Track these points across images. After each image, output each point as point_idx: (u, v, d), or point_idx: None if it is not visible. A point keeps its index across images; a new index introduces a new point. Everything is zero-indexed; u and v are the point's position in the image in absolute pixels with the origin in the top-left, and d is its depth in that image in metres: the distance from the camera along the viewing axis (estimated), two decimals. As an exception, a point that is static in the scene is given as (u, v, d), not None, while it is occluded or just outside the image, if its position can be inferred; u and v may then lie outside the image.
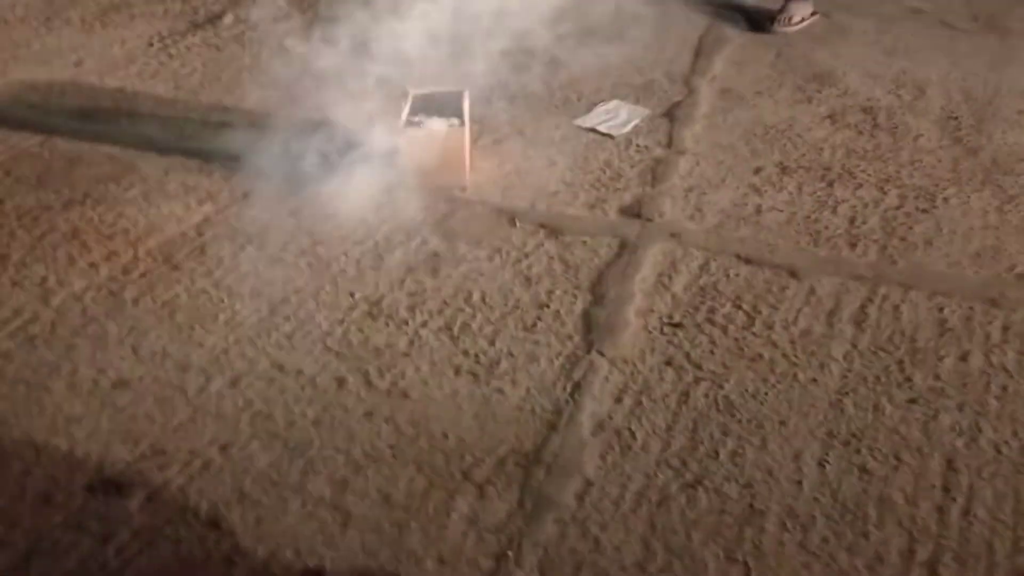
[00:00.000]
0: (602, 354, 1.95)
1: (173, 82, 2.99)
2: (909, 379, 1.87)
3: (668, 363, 1.92)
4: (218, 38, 3.28)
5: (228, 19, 3.41)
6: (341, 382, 1.87)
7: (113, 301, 2.06)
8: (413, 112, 2.53)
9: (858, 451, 1.71)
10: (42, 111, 2.79)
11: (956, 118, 2.84)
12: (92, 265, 2.17)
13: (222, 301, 2.08)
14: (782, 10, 3.45)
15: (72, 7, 3.46)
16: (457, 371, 1.90)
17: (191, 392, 1.84)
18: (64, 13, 3.41)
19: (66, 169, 2.51)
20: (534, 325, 2.03)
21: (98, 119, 2.77)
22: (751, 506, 1.61)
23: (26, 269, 2.14)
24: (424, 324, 2.03)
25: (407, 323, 2.04)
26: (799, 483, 1.65)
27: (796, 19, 3.43)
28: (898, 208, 2.41)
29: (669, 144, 2.72)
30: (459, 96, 2.60)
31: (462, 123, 2.49)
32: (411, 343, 1.98)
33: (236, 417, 1.79)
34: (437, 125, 2.51)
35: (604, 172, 2.59)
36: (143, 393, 1.83)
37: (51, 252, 2.20)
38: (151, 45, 3.21)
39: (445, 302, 2.10)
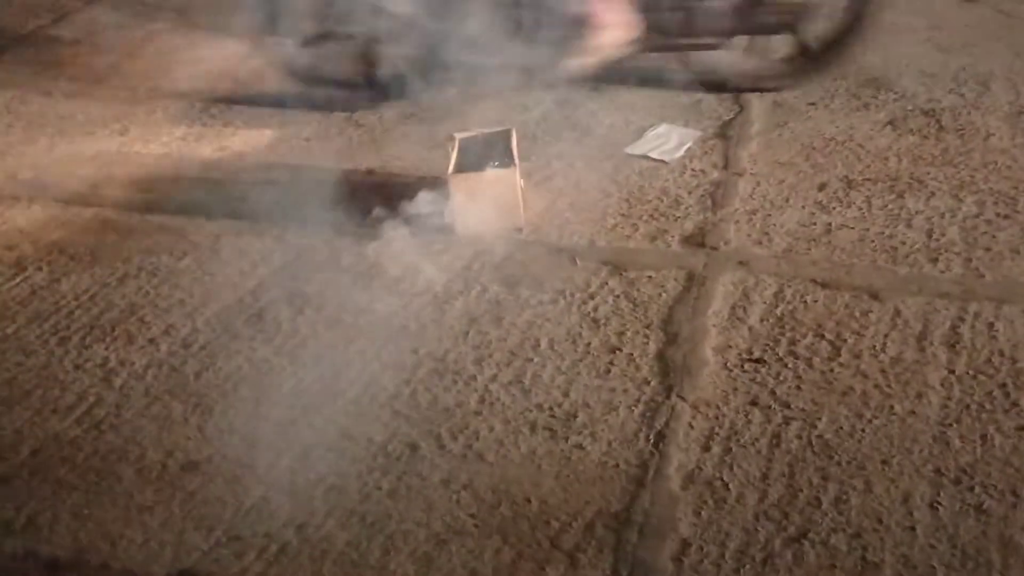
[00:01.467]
0: (683, 398, 1.86)
1: (217, 145, 2.97)
2: (1016, 404, 1.75)
3: (754, 403, 1.82)
4: (256, 95, 3.27)
5: (266, 74, 3.40)
6: (414, 448, 1.80)
7: (176, 377, 2.02)
8: (461, 156, 2.47)
9: (971, 488, 1.60)
10: (91, 183, 2.79)
11: (1027, 112, 2.70)
12: (151, 341, 2.13)
13: (284, 369, 2.03)
14: None
15: (115, 75, 3.48)
16: (533, 428, 1.82)
17: (261, 470, 1.79)
18: (109, 80, 3.43)
19: (118, 243, 2.50)
20: (608, 371, 1.95)
21: (146, 188, 2.75)
22: (863, 558, 1.50)
23: (87, 351, 2.11)
24: (493, 378, 1.96)
25: (475, 378, 1.96)
26: (912, 529, 1.54)
27: None
28: (977, 216, 2.29)
29: (726, 166, 2.63)
30: (506, 135, 2.54)
31: (512, 163, 2.42)
32: (482, 400, 1.91)
33: (309, 493, 1.72)
34: (487, 168, 2.44)
35: (662, 200, 2.51)
36: (213, 474, 1.78)
37: (110, 331, 2.17)
38: (193, 107, 3.20)
39: (512, 352, 2.03)
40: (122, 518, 1.70)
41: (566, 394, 1.90)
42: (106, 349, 2.11)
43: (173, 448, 1.84)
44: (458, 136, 2.54)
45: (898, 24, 3.33)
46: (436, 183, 2.49)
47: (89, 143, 3.03)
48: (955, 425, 1.72)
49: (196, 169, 2.85)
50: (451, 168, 2.42)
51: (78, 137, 3.07)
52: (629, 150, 2.72)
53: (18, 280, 2.35)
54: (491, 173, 2.38)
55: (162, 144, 2.99)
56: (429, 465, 1.77)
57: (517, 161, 2.44)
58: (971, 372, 1.83)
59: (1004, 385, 1.80)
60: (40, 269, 2.39)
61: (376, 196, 2.58)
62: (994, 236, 2.21)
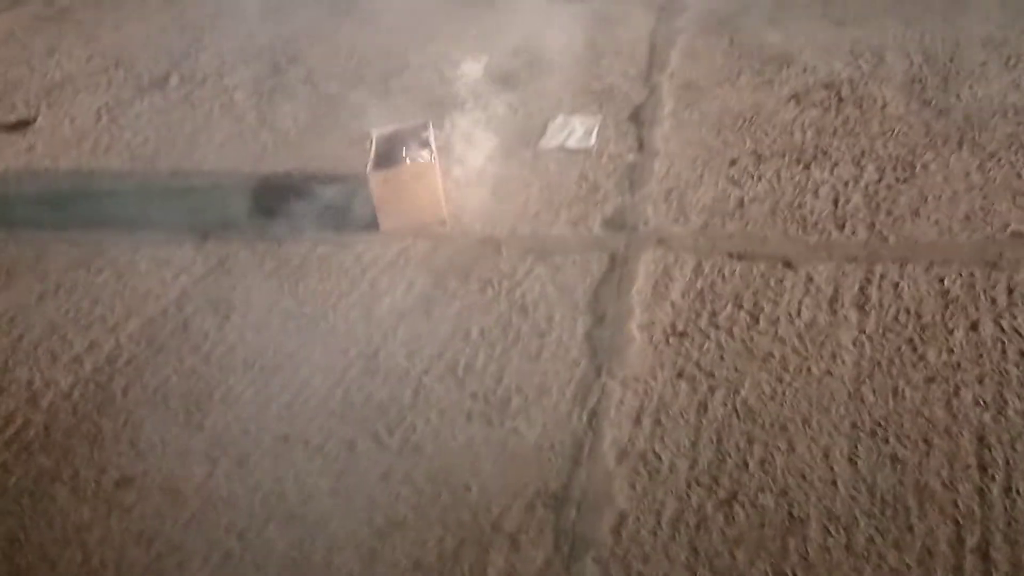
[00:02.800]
0: (613, 376, 1.90)
1: (128, 153, 2.91)
2: (923, 357, 1.85)
3: (680, 375, 1.89)
4: (166, 101, 3.21)
5: (174, 80, 3.34)
6: (351, 446, 1.81)
7: (103, 394, 1.99)
8: (379, 151, 2.47)
9: (886, 440, 1.68)
10: (0, 203, 2.70)
11: (920, 80, 2.83)
12: (76, 359, 2.09)
13: (214, 378, 2.01)
14: None
15: (16, 91, 3.37)
16: (468, 416, 1.85)
17: (198, 480, 1.78)
18: (8, 98, 3.32)
19: (33, 261, 2.43)
20: (539, 355, 1.99)
21: (58, 204, 2.68)
22: (790, 514, 1.57)
23: (10, 373, 2.06)
24: (426, 371, 1.98)
25: (408, 373, 1.98)
26: (834, 483, 1.62)
27: None
28: (879, 182, 2.39)
29: (640, 148, 2.69)
30: (423, 128, 2.55)
31: (431, 156, 2.43)
32: (416, 393, 1.92)
33: (249, 500, 1.72)
34: (406, 162, 2.44)
35: (581, 186, 2.55)
36: (148, 489, 1.76)
37: (33, 352, 2.12)
38: (100, 118, 3.13)
39: (443, 344, 2.05)
40: (60, 539, 1.67)
41: (499, 381, 1.93)
42: (30, 371, 2.06)
43: (106, 465, 1.81)
44: (375, 132, 2.54)
45: (794, 1, 3.45)
46: (356, 180, 2.49)
47: (-8, 161, 2.94)
48: (868, 381, 1.81)
49: (108, 181, 2.78)
50: (370, 165, 2.42)
51: (-20, 156, 2.97)
52: (542, 144, 2.75)
53: (-73, 307, 2.27)
54: (411, 167, 2.39)
55: (71, 159, 2.91)
56: (367, 462, 1.78)
57: (436, 154, 2.45)
58: (880, 330, 1.92)
59: (911, 340, 1.89)
60: (-50, 294, 2.31)
61: (297, 197, 2.57)
62: (895, 200, 2.32)
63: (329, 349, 2.07)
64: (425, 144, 2.48)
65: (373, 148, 2.49)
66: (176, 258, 2.40)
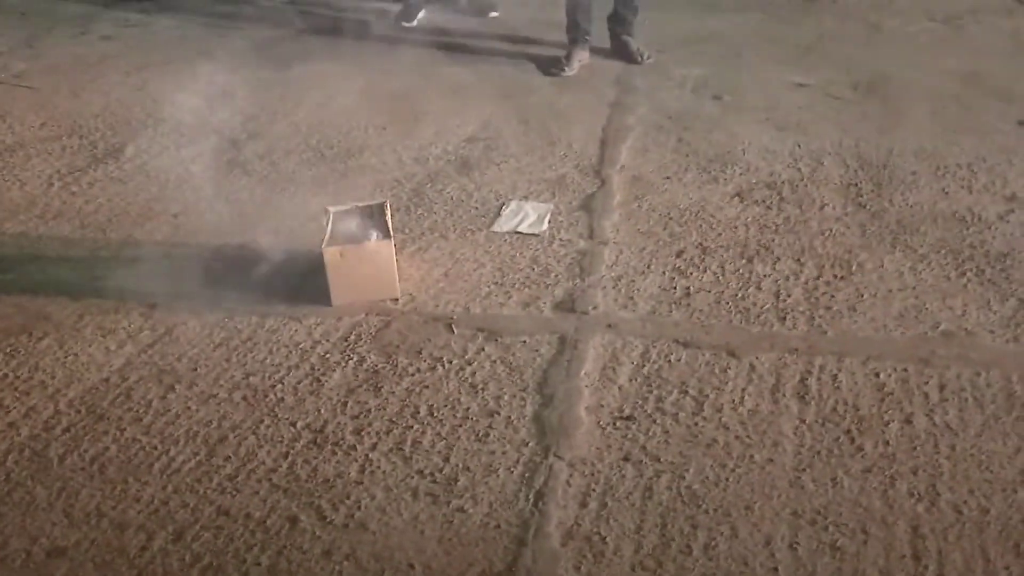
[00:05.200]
0: (560, 457, 1.92)
1: (79, 220, 2.89)
2: (860, 448, 1.90)
3: (626, 459, 1.91)
4: (121, 171, 3.21)
5: (130, 151, 3.35)
6: (294, 521, 1.78)
7: (38, 461, 1.93)
8: (335, 229, 2.50)
9: (826, 528, 1.72)
10: (-61, 264, 2.66)
11: (856, 184, 2.98)
12: (11, 425, 2.03)
13: (155, 448, 1.97)
14: (567, 56, 3.99)
15: (-37, 150, 3.34)
16: (415, 494, 1.84)
17: (132, 553, 1.72)
18: (-46, 157, 3.29)
19: (-29, 324, 2.38)
20: (487, 434, 1.99)
21: (3, 268, 2.64)
22: (733, 600, 1.59)
23: (-63, 438, 1.99)
24: (373, 447, 1.97)
25: (355, 448, 1.97)
26: (775, 569, 1.64)
27: (575, 63, 3.99)
28: (818, 278, 2.49)
29: (591, 235, 2.76)
30: (380, 208, 2.59)
31: (387, 235, 2.47)
32: (362, 469, 1.91)
33: (186, 575, 1.67)
34: (361, 240, 2.48)
35: (532, 269, 2.61)
36: (81, 560, 1.70)
37: (-37, 417, 2.06)
38: (51, 185, 3.11)
39: (392, 421, 2.05)
40: (-21, 614, 1.60)
41: (447, 459, 1.93)
42: (-41, 435, 2.00)
43: (38, 534, 1.75)
44: (332, 209, 2.57)
45: (741, 106, 3.63)
46: (310, 256, 2.50)
47: (-63, 221, 2.89)
48: (808, 470, 1.85)
49: (56, 247, 2.75)
50: (325, 241, 2.44)
51: (-76, 215, 2.92)
52: (496, 228, 2.81)
53: None
54: (366, 245, 2.43)
55: (19, 223, 2.88)
56: (310, 538, 1.75)
57: (392, 233, 2.49)
58: (820, 420, 1.98)
59: (849, 431, 1.95)
60: None
61: (249, 270, 2.57)
62: (833, 296, 2.41)
63: (277, 421, 2.05)
64: (380, 223, 2.52)
65: (329, 225, 2.52)
66: (122, 327, 2.37)
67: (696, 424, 1.99)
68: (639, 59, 4.09)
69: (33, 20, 4.80)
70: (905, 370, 2.12)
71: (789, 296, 2.42)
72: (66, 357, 2.27)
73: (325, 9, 4.93)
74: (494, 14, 4.73)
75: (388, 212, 2.57)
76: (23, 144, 3.41)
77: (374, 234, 2.47)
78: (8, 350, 2.28)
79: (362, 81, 3.97)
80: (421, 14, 4.71)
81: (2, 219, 2.90)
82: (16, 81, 4.02)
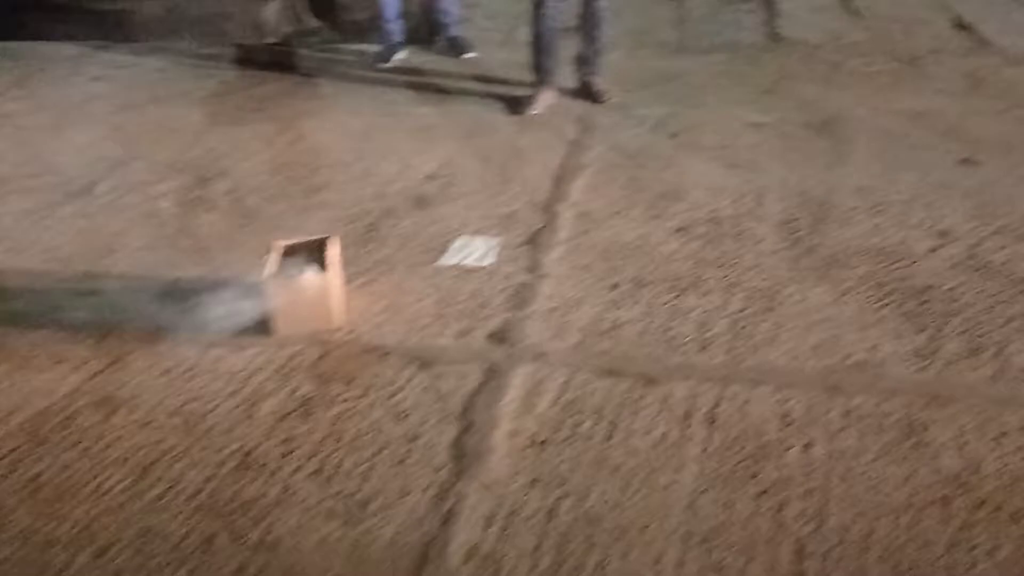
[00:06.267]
0: (472, 481, 2.00)
1: (44, 255, 3.01)
2: (756, 474, 1.98)
3: (535, 483, 1.99)
4: (92, 206, 3.34)
5: (102, 187, 3.48)
6: (209, 541, 1.87)
7: (-26, 484, 2.03)
8: (281, 261, 2.61)
9: (714, 549, 1.79)
10: (-94, 295, 2.78)
11: (795, 220, 3.07)
12: (-46, 449, 2.14)
13: (89, 472, 2.07)
14: (532, 96, 4.11)
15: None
16: (329, 516, 1.93)
17: (57, 568, 1.81)
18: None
19: (-71, 352, 2.49)
20: (405, 459, 2.08)
21: (-36, 299, 2.76)
22: (615, 616, 1.66)
23: None
24: (296, 470, 2.06)
25: (278, 471, 2.06)
26: (660, 587, 1.71)
27: (540, 103, 4.11)
28: (743, 311, 2.58)
29: (532, 269, 2.86)
30: (325, 241, 2.69)
31: (327, 268, 2.57)
32: (283, 491, 2.00)
33: (102, 589, 1.76)
34: (303, 273, 2.58)
35: (472, 301, 2.71)
36: (8, 574, 1.79)
37: (-90, 439, 2.16)
38: (22, 220, 3.24)
39: (318, 446, 2.14)
40: (-99, 625, 1.69)
41: (364, 482, 2.02)
42: (-97, 457, 2.10)
43: (-37, 552, 1.84)
44: (279, 243, 2.68)
45: (696, 144, 3.74)
46: (259, 288, 2.61)
47: (-91, 255, 3.02)
48: (705, 494, 1.93)
49: (19, 280, 2.87)
50: (268, 272, 2.55)
51: (-102, 249, 3.05)
52: (442, 262, 2.91)
53: None
54: (305, 277, 2.53)
55: (-14, 255, 3.01)
56: (225, 556, 1.84)
57: (333, 266, 2.59)
58: (723, 447, 2.06)
59: (751, 457, 2.03)
60: None
61: (201, 302, 2.68)
62: (755, 328, 2.50)
63: (208, 446, 2.14)
64: (323, 257, 2.63)
65: (275, 258, 2.62)
66: (72, 355, 2.48)
67: (606, 449, 2.07)
68: (603, 99, 4.21)
69: (26, 61, 4.98)
70: (812, 398, 2.20)
71: (713, 328, 2.51)
72: (16, 385, 2.37)
73: (306, 50, 5.09)
74: (469, 55, 4.88)
75: (332, 246, 2.67)
76: (3, 181, 3.56)
77: (315, 267, 2.58)
78: (-39, 377, 2.39)
79: (333, 120, 4.11)
80: (399, 55, 4.87)
81: (-32, 254, 3.03)
82: (4, 120, 4.18)
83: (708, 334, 2.48)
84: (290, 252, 2.68)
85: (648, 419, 2.16)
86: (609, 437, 2.11)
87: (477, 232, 3.11)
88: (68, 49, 5.13)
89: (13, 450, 2.14)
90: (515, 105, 4.18)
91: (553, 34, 4.12)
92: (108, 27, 5.27)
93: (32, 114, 4.28)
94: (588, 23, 4.16)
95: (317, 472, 2.05)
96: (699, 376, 2.31)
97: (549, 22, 4.08)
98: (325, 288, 2.55)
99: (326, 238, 2.73)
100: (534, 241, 3.04)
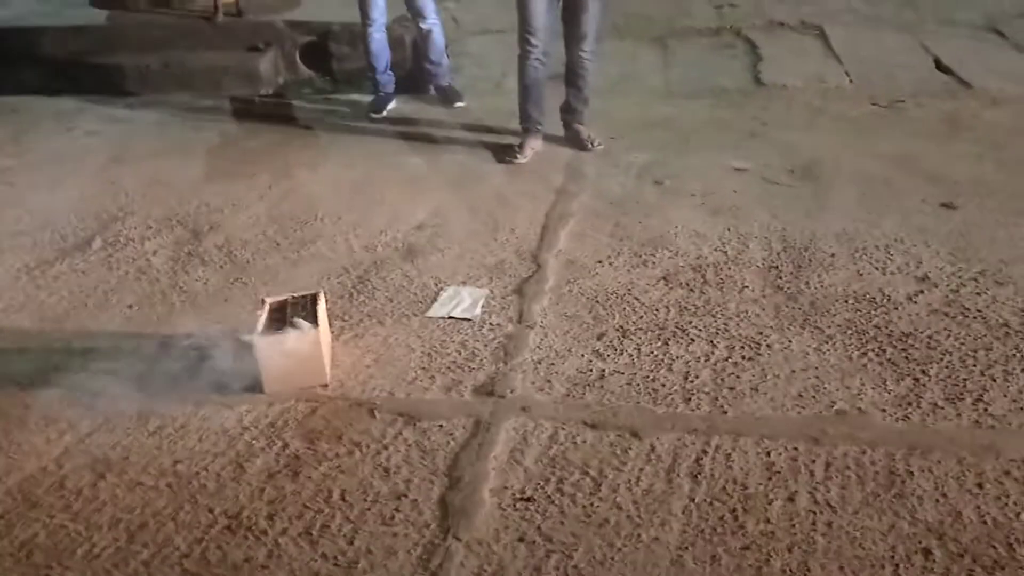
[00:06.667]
0: (458, 539, 2.02)
1: (39, 313, 3.05)
2: (743, 526, 2.00)
3: (521, 539, 2.01)
4: (86, 263, 3.38)
5: (97, 243, 3.53)
6: (198, 604, 1.88)
7: (-32, 549, 2.05)
8: (270, 318, 2.65)
9: (698, 605, 1.81)
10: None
11: (777, 267, 3.12)
12: (-55, 514, 2.16)
13: (80, 534, 2.09)
14: (520, 145, 4.20)
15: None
16: (316, 576, 1.94)
17: (44, 635, 1.83)
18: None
19: (-78, 415, 2.52)
20: (392, 517, 2.10)
21: (-43, 359, 2.79)
22: (599, 676, 1.67)
23: None
24: (283, 531, 2.08)
25: (266, 532, 2.08)
26: (644, 645, 1.73)
27: (528, 151, 4.20)
28: (727, 359, 2.61)
29: (520, 319, 2.90)
30: (314, 297, 2.73)
31: (314, 324, 2.61)
32: (270, 554, 2.01)
33: (90, 656, 1.77)
34: (292, 331, 2.61)
35: (460, 353, 2.74)
36: (-7, 644, 1.81)
37: (-98, 504, 2.18)
38: (18, 278, 3.28)
39: (305, 505, 2.15)
40: None
41: (351, 542, 2.03)
42: None
43: (-47, 620, 1.86)
44: (268, 300, 2.72)
45: (679, 191, 3.80)
46: (248, 344, 2.64)
47: (-96, 316, 3.05)
48: (690, 548, 1.95)
49: (14, 339, 2.91)
50: (258, 330, 2.58)
51: None
52: (430, 313, 2.95)
53: None
54: (294, 334, 2.56)
55: (-20, 315, 3.05)
56: (212, 620, 1.85)
57: (321, 322, 2.63)
58: (708, 499, 2.08)
59: (735, 510, 2.05)
60: None
61: (190, 359, 2.71)
62: (739, 376, 2.53)
63: (197, 507, 2.16)
64: (312, 312, 2.66)
65: (264, 315, 2.66)
66: (65, 416, 2.51)
67: (591, 504, 2.10)
68: (589, 146, 4.29)
69: (23, 116, 5.07)
70: (795, 449, 2.22)
71: (697, 377, 2.54)
72: (9, 446, 2.40)
73: (301, 102, 5.18)
74: (460, 104, 4.96)
75: (320, 302, 2.71)
76: (-3, 239, 3.61)
77: (303, 323, 2.61)
78: (-47, 441, 2.41)
79: (325, 172, 4.18)
80: (391, 105, 4.96)
81: (-36, 313, 3.06)
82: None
83: (692, 384, 2.51)
84: (279, 308, 2.71)
85: (633, 473, 2.18)
86: (595, 492, 2.13)
87: (465, 282, 3.15)
88: (63, 103, 5.22)
89: (6, 513, 2.16)
90: (503, 154, 4.25)
91: (539, 83, 4.21)
92: (103, 81, 5.37)
93: (27, 170, 4.34)
94: (574, 72, 4.25)
95: (305, 533, 2.07)
96: (683, 427, 2.33)
97: (534, 72, 4.16)
98: (315, 345, 2.58)
99: (316, 293, 2.77)
100: (522, 291, 3.08)
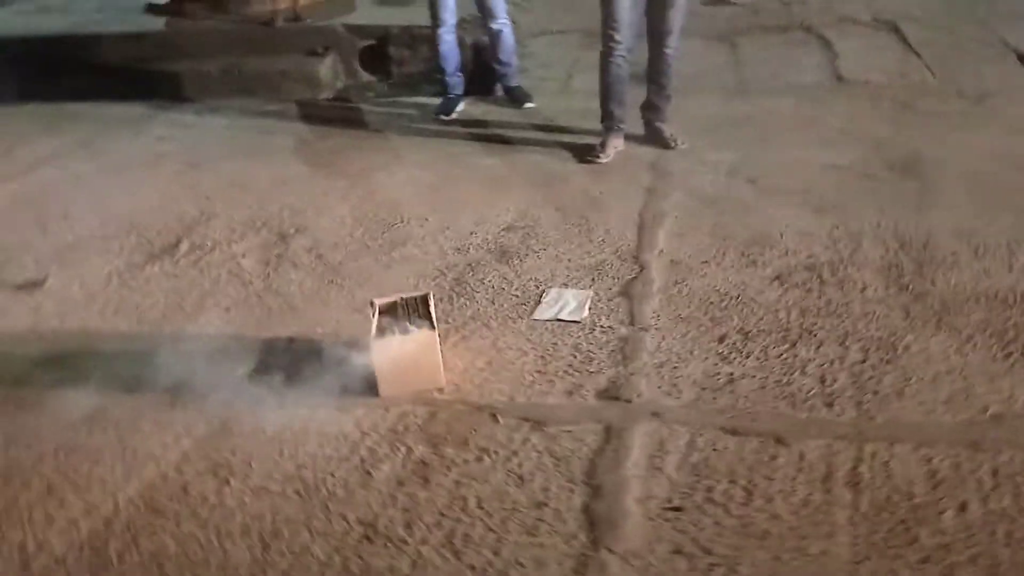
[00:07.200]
0: (611, 550, 1.92)
1: (135, 316, 2.99)
2: (916, 538, 1.88)
3: (678, 552, 1.90)
4: (176, 266, 3.32)
5: (184, 246, 3.47)
6: (349, 617, 1.80)
7: (98, 559, 1.97)
8: (381, 320, 2.56)
9: (885, 622, 1.69)
10: (3, 362, 2.75)
11: (897, 266, 2.99)
12: (72, 522, 2.08)
13: (211, 544, 2.01)
14: (602, 144, 4.07)
15: (27, 252, 3.48)
16: (467, 589, 1.85)
17: (190, 651, 1.74)
18: (19, 259, 3.43)
19: (33, 422, 2.45)
20: (536, 527, 2.00)
21: (62, 364, 2.73)
22: None
23: (2, 536, 2.04)
24: (424, 541, 1.99)
25: (406, 542, 1.99)
26: (835, 666, 1.61)
27: (610, 150, 4.08)
28: (863, 362, 2.49)
29: (632, 322, 2.80)
30: (424, 299, 2.65)
31: (431, 326, 2.52)
32: (414, 564, 1.92)
33: (242, 673, 1.69)
34: (407, 332, 2.52)
35: (575, 357, 2.64)
36: (139, 660, 1.73)
37: (27, 513, 2.11)
38: (109, 281, 3.23)
39: (442, 513, 2.06)
40: None
41: (497, 553, 1.94)
42: (23, 533, 2.05)
43: (96, 635, 1.78)
44: (377, 301, 2.64)
45: (775, 189, 3.68)
46: (358, 347, 2.56)
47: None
48: (865, 562, 1.83)
49: (114, 343, 2.84)
50: (373, 332, 2.50)
51: (-11, 314, 3.04)
52: (536, 316, 2.85)
53: (-75, 465, 2.27)
54: (411, 337, 2.48)
55: (79, 319, 2.99)
56: (365, 634, 1.76)
57: (436, 324, 2.54)
58: (874, 510, 1.96)
59: (904, 521, 1.93)
60: (-51, 452, 2.32)
61: (299, 363, 2.63)
62: (880, 380, 2.41)
63: (329, 515, 2.08)
64: (425, 314, 2.58)
65: (376, 317, 2.58)
66: (178, 420, 2.43)
67: (747, 515, 1.99)
68: (673, 145, 4.18)
69: (91, 122, 5.04)
70: (957, 455, 2.10)
71: (835, 381, 2.42)
72: (125, 452, 2.33)
73: (366, 105, 5.12)
74: (530, 105, 4.87)
75: (432, 303, 2.62)
76: (83, 242, 3.56)
77: (418, 325, 2.52)
78: (68, 446, 2.35)
79: (402, 174, 4.10)
80: (460, 107, 4.88)
81: (63, 315, 3.01)
82: (76, 181, 4.19)
83: (831, 388, 2.39)
84: (387, 310, 2.63)
85: (786, 481, 2.07)
86: (747, 502, 2.02)
87: (567, 284, 3.05)
88: (129, 110, 5.19)
89: (131, 522, 2.08)
90: (584, 153, 4.15)
91: (622, 81, 4.11)
92: (165, 87, 5.35)
93: (103, 175, 4.30)
94: (657, 69, 4.15)
95: (446, 542, 1.97)
96: (831, 434, 2.22)
97: (617, 69, 4.06)
98: (430, 346, 2.50)
99: (424, 294, 2.68)
100: (628, 292, 2.97)
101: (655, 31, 4.04)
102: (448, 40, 4.77)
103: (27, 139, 4.78)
